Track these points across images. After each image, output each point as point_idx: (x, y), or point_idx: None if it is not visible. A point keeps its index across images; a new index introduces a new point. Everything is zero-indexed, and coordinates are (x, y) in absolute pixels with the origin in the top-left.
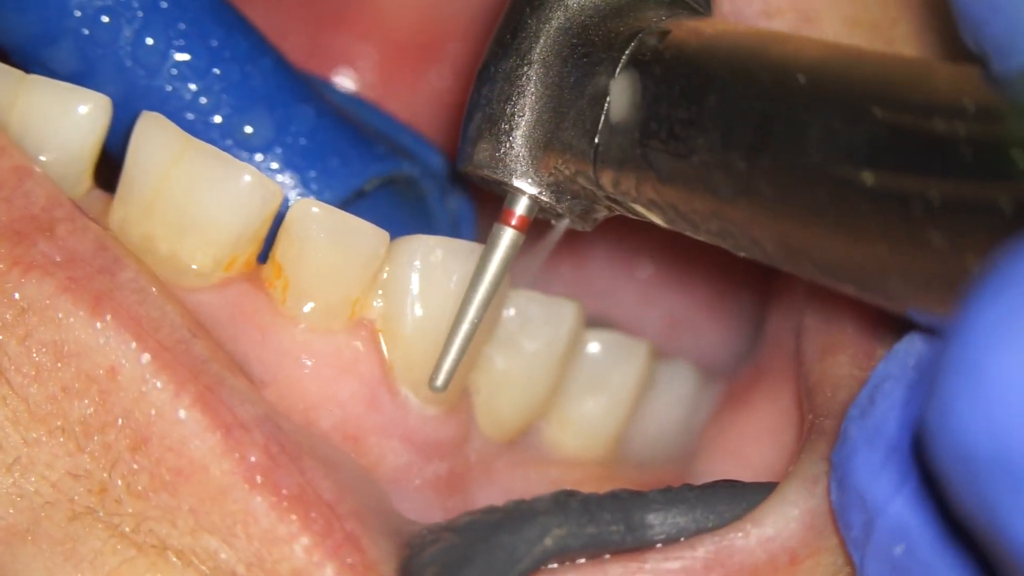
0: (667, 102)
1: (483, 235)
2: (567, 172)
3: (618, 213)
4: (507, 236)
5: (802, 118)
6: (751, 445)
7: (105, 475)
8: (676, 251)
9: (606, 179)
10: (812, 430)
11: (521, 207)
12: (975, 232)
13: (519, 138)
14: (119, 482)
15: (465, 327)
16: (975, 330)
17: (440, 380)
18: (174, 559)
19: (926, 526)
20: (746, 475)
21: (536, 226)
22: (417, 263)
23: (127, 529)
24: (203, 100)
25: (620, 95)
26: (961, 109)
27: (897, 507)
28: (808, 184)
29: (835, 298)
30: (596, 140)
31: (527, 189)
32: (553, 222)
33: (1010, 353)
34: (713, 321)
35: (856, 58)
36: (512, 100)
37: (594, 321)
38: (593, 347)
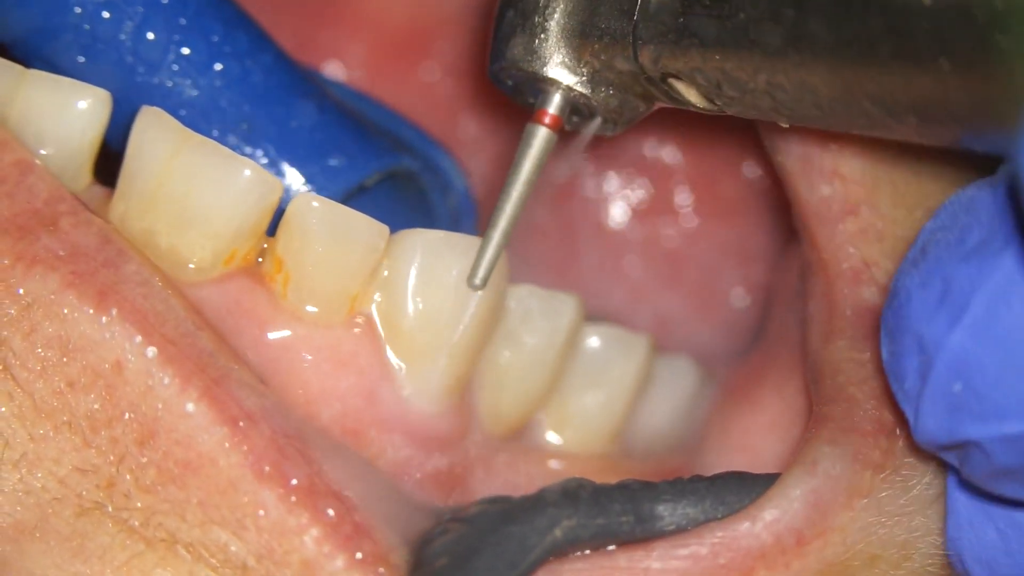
0: None
1: (483, 232)
2: (604, 58)
3: (652, 108)
4: (541, 134)
5: None
6: (759, 439)
7: (113, 470)
8: (665, 250)
9: (646, 57)
10: (815, 418)
11: (554, 105)
12: None
13: (554, 28)
14: (127, 476)
15: (503, 224)
16: None
17: (479, 277)
18: (183, 552)
19: (986, 350)
20: (755, 469)
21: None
22: (417, 257)
23: (136, 523)
24: (204, 95)
25: None
26: None
27: (956, 339)
28: (863, 16)
29: (834, 284)
30: (635, 18)
31: (562, 79)
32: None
33: None
34: (703, 319)
35: None
36: None
37: (590, 316)
38: (593, 341)
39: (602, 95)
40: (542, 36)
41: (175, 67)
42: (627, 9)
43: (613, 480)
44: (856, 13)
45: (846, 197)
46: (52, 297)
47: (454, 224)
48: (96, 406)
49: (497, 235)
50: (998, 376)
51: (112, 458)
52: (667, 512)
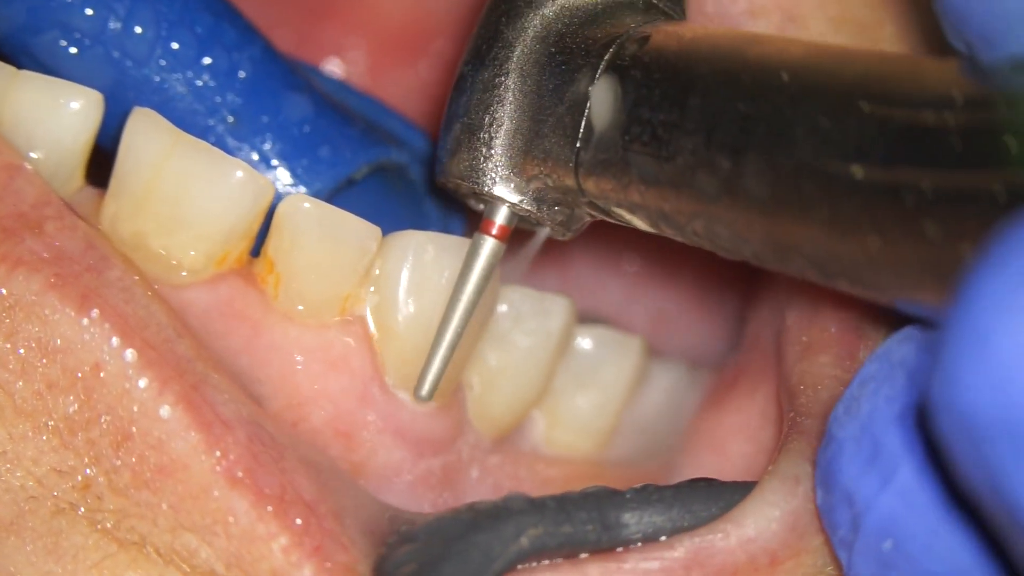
0: (648, 105)
1: (473, 223)
2: (548, 180)
3: (600, 219)
4: (488, 246)
5: (787, 116)
6: (730, 441)
7: (88, 471)
8: (662, 247)
9: (589, 184)
10: (792, 429)
11: (501, 217)
12: (969, 220)
13: (498, 147)
14: (101, 479)
15: (449, 336)
16: (979, 301)
17: (425, 390)
18: (154, 556)
19: (915, 518)
20: (725, 470)
21: (518, 233)
22: (408, 259)
23: (108, 525)
24: (191, 89)
25: (601, 100)
26: (950, 100)
27: (885, 502)
28: (796, 181)
29: (817, 298)
30: (577, 145)
31: (507, 197)
32: (536, 229)
33: (1014, 322)
34: (699, 318)
35: (840, 55)
36: (490, 110)
37: (583, 317)
38: (585, 343)
39: (547, 211)
40: (487, 154)
41: (162, 62)
42: (571, 134)
43: (604, 483)
44: (790, 174)
45: None
46: (34, 299)
47: (444, 215)
48: (74, 408)
49: (443, 347)
50: (927, 543)
51: (88, 460)
52: (633, 520)
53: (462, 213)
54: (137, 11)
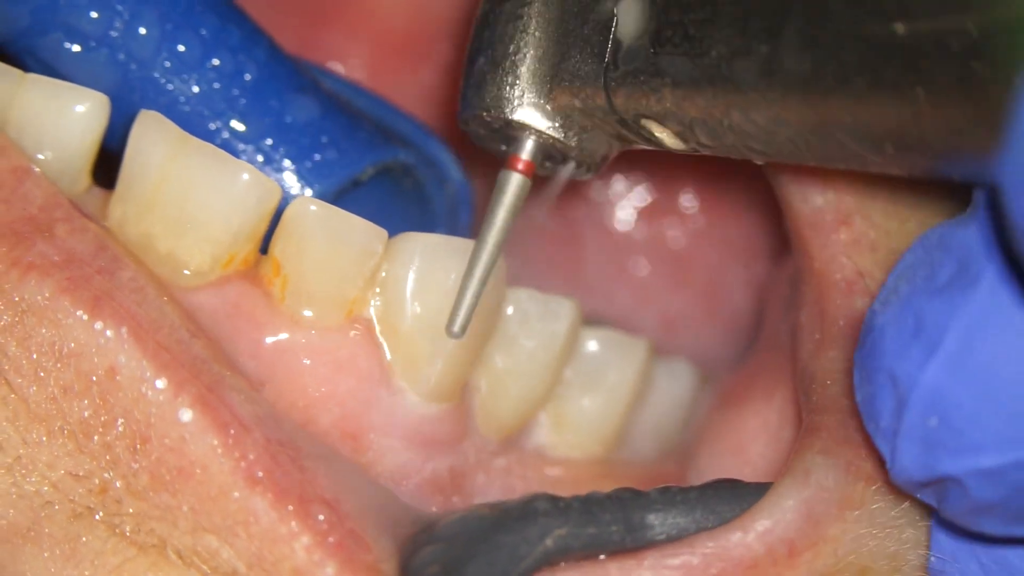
0: (679, 7)
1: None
2: (577, 100)
3: (626, 148)
4: (514, 181)
5: None
6: (750, 443)
7: (105, 475)
8: (671, 250)
9: (619, 99)
10: (807, 428)
11: (527, 151)
12: (1019, 54)
13: (524, 75)
14: (119, 482)
15: (479, 272)
16: None
17: (457, 326)
18: (175, 558)
19: (961, 385)
20: (746, 472)
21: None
22: (415, 261)
23: (127, 529)
24: (197, 91)
25: (628, 12)
26: None
27: (931, 374)
28: (837, 51)
29: (826, 294)
30: (607, 59)
31: (534, 124)
32: (560, 169)
33: None
34: (709, 320)
35: None
36: (515, 39)
37: (590, 320)
38: (591, 345)
39: (575, 139)
40: (513, 82)
41: (168, 64)
42: (598, 52)
43: (611, 484)
44: (830, 46)
45: (839, 207)
46: (47, 303)
47: (451, 216)
48: (89, 412)
49: (474, 282)
50: (973, 410)
51: (105, 463)
52: (657, 521)
53: (469, 213)
54: (142, 13)
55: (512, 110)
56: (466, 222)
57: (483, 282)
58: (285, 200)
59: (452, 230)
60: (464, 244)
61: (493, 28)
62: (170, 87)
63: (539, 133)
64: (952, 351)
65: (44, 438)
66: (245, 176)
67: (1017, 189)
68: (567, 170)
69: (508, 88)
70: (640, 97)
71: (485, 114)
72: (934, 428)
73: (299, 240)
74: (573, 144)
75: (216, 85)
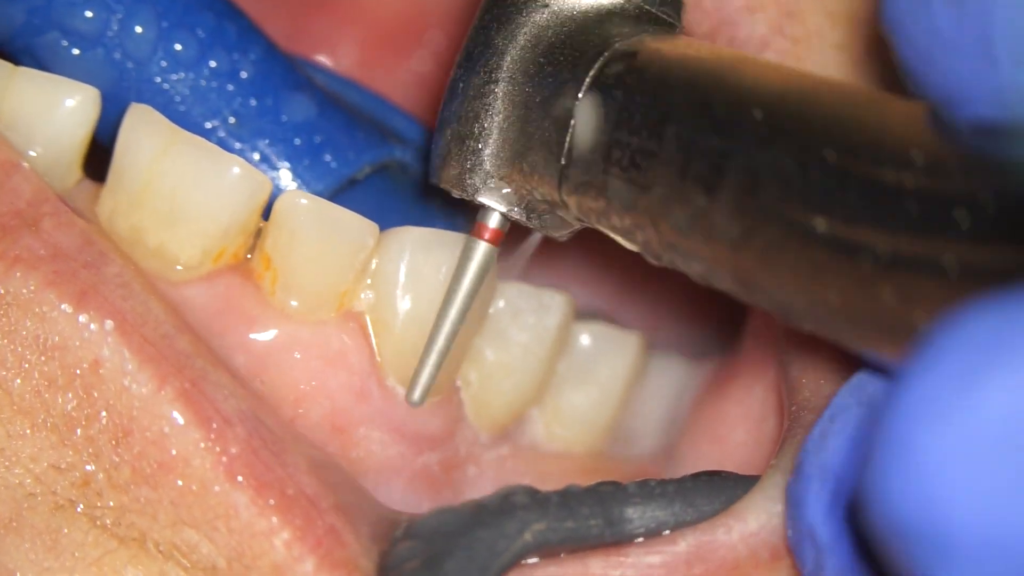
0: (628, 129)
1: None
2: (535, 193)
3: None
4: (480, 250)
5: (757, 157)
6: (731, 432)
7: (88, 468)
8: None
9: (572, 201)
10: (794, 423)
11: (494, 221)
12: (923, 289)
13: (487, 157)
14: (101, 475)
15: (441, 341)
16: (907, 407)
17: (417, 395)
18: (155, 552)
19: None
20: (726, 461)
21: (516, 228)
22: (406, 254)
23: (108, 522)
24: (193, 90)
25: (584, 118)
26: (910, 160)
27: (845, 547)
28: (763, 224)
29: None
30: (562, 162)
31: (496, 207)
32: (531, 225)
33: (938, 430)
34: (697, 313)
35: (814, 91)
36: (480, 118)
37: (579, 313)
38: (583, 339)
39: (536, 220)
40: (476, 162)
41: (164, 63)
42: (556, 152)
43: (603, 478)
44: (758, 219)
45: None
46: (32, 296)
47: (448, 212)
48: (73, 405)
49: (435, 353)
50: None
51: (87, 456)
52: (636, 515)
53: (466, 209)
54: (138, 12)
55: (474, 191)
56: (463, 218)
57: (446, 352)
58: (276, 194)
59: (449, 227)
60: (455, 237)
61: (461, 101)
62: (166, 86)
63: (502, 213)
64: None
65: (28, 430)
66: (236, 170)
67: (886, 468)
68: (533, 242)
69: (472, 169)
70: (591, 207)
71: (449, 189)
72: None
73: (289, 234)
74: (536, 224)
75: (212, 84)
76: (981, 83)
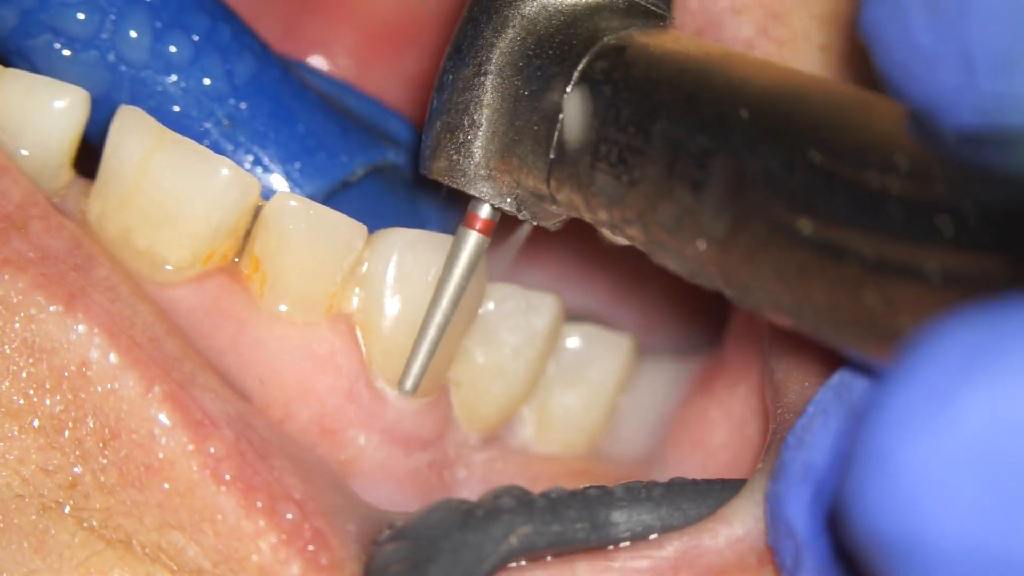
0: (616, 126)
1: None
2: (524, 185)
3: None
4: (472, 240)
5: (743, 157)
6: (714, 434)
7: (75, 470)
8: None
9: (560, 195)
10: (781, 425)
11: (484, 211)
12: (907, 295)
13: (477, 149)
14: (88, 477)
15: (433, 330)
16: (887, 419)
17: (409, 384)
18: (141, 554)
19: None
20: (709, 463)
21: (506, 220)
22: (395, 256)
23: (95, 523)
24: (186, 92)
25: (572, 113)
26: (894, 164)
27: (824, 545)
28: (749, 224)
29: None
30: (550, 156)
31: (486, 198)
32: (522, 216)
33: (917, 443)
34: (688, 316)
35: (801, 90)
36: (469, 111)
37: (569, 314)
38: (574, 341)
39: (527, 212)
40: (466, 155)
41: (157, 65)
42: (544, 146)
43: (593, 480)
44: (744, 218)
45: None
46: (20, 298)
47: (441, 214)
48: (60, 407)
49: (427, 341)
50: None
51: (74, 458)
52: (623, 519)
53: (459, 210)
54: (131, 14)
55: (465, 182)
56: (456, 220)
57: (437, 340)
58: (268, 196)
59: (442, 229)
60: (444, 239)
61: (450, 93)
62: (160, 88)
63: (492, 204)
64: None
65: (16, 432)
66: (224, 171)
67: (865, 479)
68: (523, 231)
69: (462, 161)
70: (578, 201)
71: (440, 179)
72: None
73: (278, 236)
74: (526, 215)
75: (205, 87)
76: (961, 93)
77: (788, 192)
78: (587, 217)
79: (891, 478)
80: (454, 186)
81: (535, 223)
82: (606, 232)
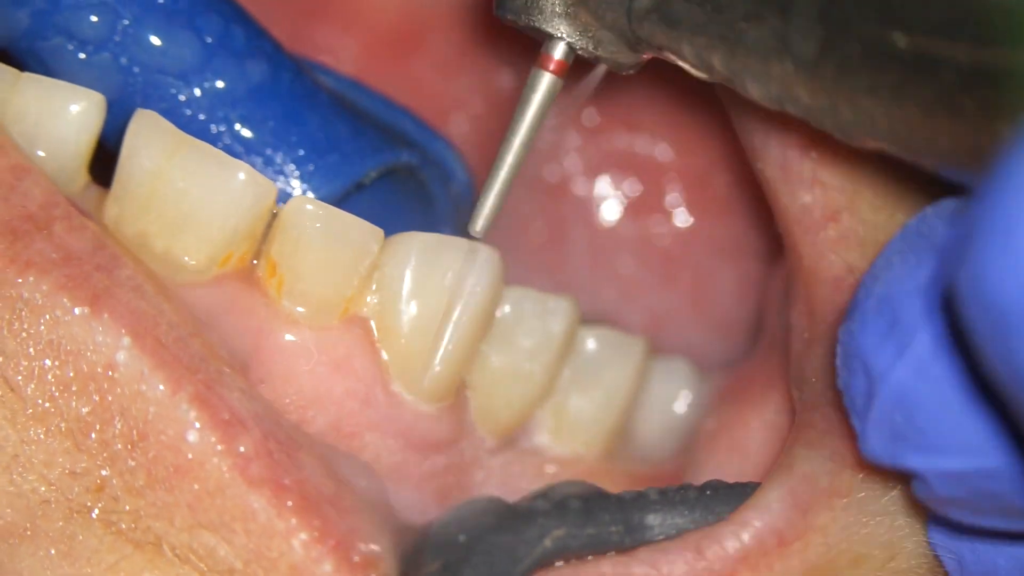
0: None
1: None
2: (603, 20)
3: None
4: (545, 80)
5: None
6: (749, 441)
7: (103, 473)
8: (658, 247)
9: (642, 30)
10: (797, 425)
11: (559, 52)
12: (1006, 100)
13: None
14: (116, 480)
15: (505, 172)
16: (1007, 191)
17: (480, 225)
18: (171, 555)
19: (926, 391)
20: (746, 470)
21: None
22: (411, 260)
23: (124, 526)
24: (200, 94)
25: None
26: None
27: (899, 374)
28: (841, 42)
29: (815, 292)
30: None
31: (564, 34)
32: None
33: None
34: (697, 318)
35: None
36: None
37: (585, 318)
38: (589, 343)
39: (603, 51)
40: None
41: (171, 67)
42: None
43: (609, 483)
44: (835, 37)
45: (827, 204)
46: (45, 300)
47: (456, 215)
48: (87, 409)
49: (499, 182)
50: (937, 416)
51: (102, 461)
52: (656, 522)
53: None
54: (144, 17)
55: (541, 19)
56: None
57: (509, 181)
58: (283, 199)
59: (457, 230)
60: (461, 243)
61: None
62: (173, 90)
63: (568, 43)
64: (921, 356)
65: (42, 436)
66: (241, 175)
67: (985, 255)
68: (597, 74)
69: None
70: (660, 35)
71: (516, 19)
72: (899, 423)
73: (295, 240)
74: (603, 53)
75: (219, 89)
76: None
77: (884, 7)
78: (668, 52)
79: (1014, 250)
80: (529, 24)
81: (610, 66)
82: (689, 69)
